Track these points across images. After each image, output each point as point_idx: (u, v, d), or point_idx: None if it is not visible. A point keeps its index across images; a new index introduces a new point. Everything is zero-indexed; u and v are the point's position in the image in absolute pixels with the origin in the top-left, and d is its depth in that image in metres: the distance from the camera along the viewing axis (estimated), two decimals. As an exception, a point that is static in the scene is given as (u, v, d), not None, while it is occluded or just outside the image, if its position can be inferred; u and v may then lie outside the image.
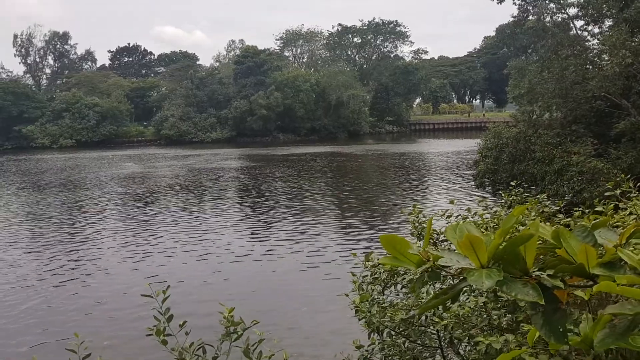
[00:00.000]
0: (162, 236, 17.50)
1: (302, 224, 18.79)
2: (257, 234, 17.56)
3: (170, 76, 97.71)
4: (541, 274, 1.57)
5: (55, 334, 9.93)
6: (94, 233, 18.39)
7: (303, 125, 78.45)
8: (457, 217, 4.40)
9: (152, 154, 57.67)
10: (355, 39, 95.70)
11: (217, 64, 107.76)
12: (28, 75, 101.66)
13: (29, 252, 15.99)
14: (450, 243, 3.50)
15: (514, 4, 32.91)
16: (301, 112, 77.39)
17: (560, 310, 1.48)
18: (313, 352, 8.80)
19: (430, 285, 3.91)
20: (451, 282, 4.32)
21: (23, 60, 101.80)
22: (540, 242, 1.68)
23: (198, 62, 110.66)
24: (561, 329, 1.42)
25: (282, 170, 36.31)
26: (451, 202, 4.65)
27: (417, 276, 2.12)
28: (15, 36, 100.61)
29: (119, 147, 72.59)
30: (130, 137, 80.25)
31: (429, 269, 1.99)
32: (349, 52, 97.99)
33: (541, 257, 1.73)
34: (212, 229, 18.45)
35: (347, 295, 4.33)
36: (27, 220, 21.41)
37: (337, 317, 10.22)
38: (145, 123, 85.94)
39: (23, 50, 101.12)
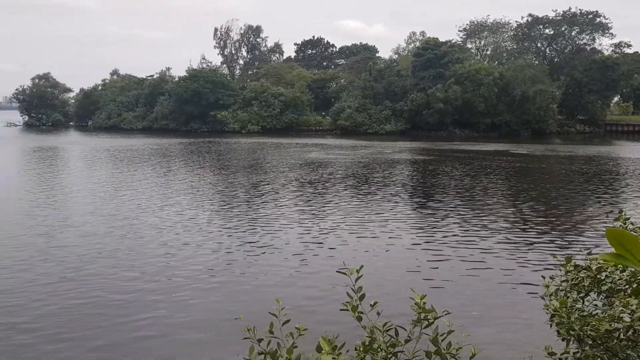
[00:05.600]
0: (334, 222, 18.08)
1: (477, 224, 18.03)
2: (427, 230, 17.24)
3: (350, 68, 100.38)
4: None
5: (244, 302, 10.79)
6: (274, 213, 19.68)
7: (482, 120, 75.08)
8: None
9: (328, 143, 59.97)
10: (547, 31, 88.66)
11: (396, 56, 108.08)
12: (224, 65, 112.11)
13: (219, 230, 17.63)
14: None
15: None
16: (481, 107, 74.19)
17: None
18: (497, 353, 8.39)
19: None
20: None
21: (221, 52, 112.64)
22: None
23: (377, 55, 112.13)
24: None
25: (457, 167, 35.24)
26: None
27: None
28: (216, 30, 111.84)
29: (298, 135, 76.78)
30: (309, 126, 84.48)
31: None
32: (539, 45, 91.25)
33: None
34: (381, 220, 18.55)
35: (543, 298, 4.02)
36: (216, 199, 23.67)
37: (516, 322, 9.67)
38: (323, 113, 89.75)
39: (222, 42, 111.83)
